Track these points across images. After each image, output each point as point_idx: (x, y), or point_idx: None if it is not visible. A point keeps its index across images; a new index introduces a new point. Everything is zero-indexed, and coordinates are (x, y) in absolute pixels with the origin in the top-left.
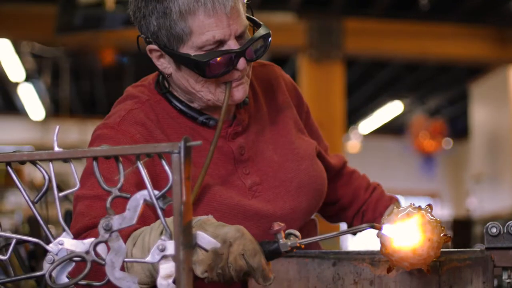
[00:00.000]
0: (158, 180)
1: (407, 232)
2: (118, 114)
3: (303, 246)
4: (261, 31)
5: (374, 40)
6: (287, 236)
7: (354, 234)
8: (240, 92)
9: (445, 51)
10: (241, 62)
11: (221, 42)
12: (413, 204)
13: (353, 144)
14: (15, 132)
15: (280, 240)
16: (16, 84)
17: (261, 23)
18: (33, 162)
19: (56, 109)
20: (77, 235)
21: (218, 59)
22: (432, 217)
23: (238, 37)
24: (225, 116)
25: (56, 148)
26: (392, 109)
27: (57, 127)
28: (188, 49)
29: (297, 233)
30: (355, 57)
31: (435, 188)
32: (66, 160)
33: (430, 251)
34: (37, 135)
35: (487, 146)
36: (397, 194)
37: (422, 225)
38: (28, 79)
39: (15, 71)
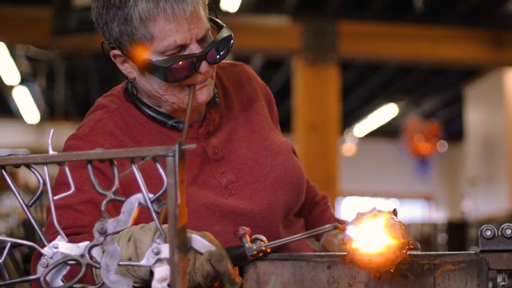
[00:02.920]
0: (130, 188)
1: (371, 234)
2: (87, 124)
3: (269, 250)
4: (223, 34)
5: (369, 43)
6: (254, 240)
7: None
8: (204, 94)
9: (440, 54)
10: (203, 66)
11: (183, 47)
12: (376, 208)
13: (348, 147)
14: (10, 135)
15: (246, 245)
16: (11, 87)
17: (223, 24)
18: (28, 166)
19: (51, 112)
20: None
21: (180, 63)
22: (396, 220)
23: (200, 41)
24: (191, 118)
25: (51, 152)
26: (387, 111)
27: (52, 130)
28: (150, 55)
29: (263, 238)
30: (350, 60)
31: (430, 191)
32: (60, 164)
33: (396, 253)
34: (32, 138)
35: (482, 148)
36: (392, 197)
37: (386, 227)
38: (23, 82)
39: (10, 74)
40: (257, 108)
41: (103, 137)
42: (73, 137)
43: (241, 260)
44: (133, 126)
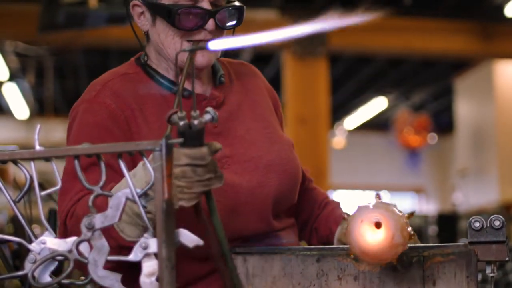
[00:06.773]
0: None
1: (373, 226)
2: (94, 88)
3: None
4: (237, 3)
5: (358, 36)
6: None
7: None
8: (205, 57)
9: (429, 46)
10: (210, 23)
11: (196, 1)
12: (378, 200)
13: (338, 140)
14: None
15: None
16: (0, 83)
17: None
18: (15, 161)
19: (41, 108)
20: (70, 205)
21: (190, 16)
22: (399, 212)
23: (213, 5)
24: (193, 86)
25: (38, 147)
26: (377, 104)
27: (38, 126)
28: (165, 2)
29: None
30: (339, 53)
31: (421, 183)
32: (47, 159)
33: (398, 246)
34: (22, 134)
35: (472, 140)
36: (382, 189)
37: (388, 219)
38: (12, 78)
39: None
40: (262, 102)
41: (110, 98)
42: (81, 102)
43: (199, 136)
44: (139, 89)
